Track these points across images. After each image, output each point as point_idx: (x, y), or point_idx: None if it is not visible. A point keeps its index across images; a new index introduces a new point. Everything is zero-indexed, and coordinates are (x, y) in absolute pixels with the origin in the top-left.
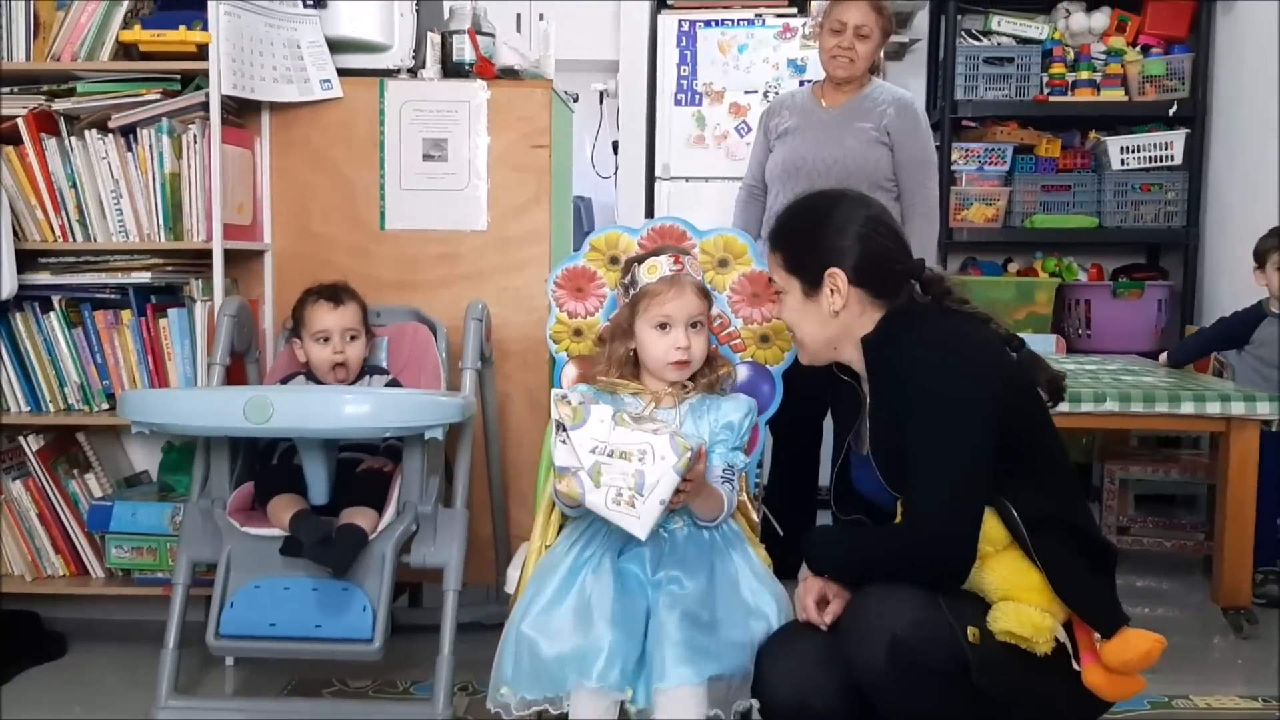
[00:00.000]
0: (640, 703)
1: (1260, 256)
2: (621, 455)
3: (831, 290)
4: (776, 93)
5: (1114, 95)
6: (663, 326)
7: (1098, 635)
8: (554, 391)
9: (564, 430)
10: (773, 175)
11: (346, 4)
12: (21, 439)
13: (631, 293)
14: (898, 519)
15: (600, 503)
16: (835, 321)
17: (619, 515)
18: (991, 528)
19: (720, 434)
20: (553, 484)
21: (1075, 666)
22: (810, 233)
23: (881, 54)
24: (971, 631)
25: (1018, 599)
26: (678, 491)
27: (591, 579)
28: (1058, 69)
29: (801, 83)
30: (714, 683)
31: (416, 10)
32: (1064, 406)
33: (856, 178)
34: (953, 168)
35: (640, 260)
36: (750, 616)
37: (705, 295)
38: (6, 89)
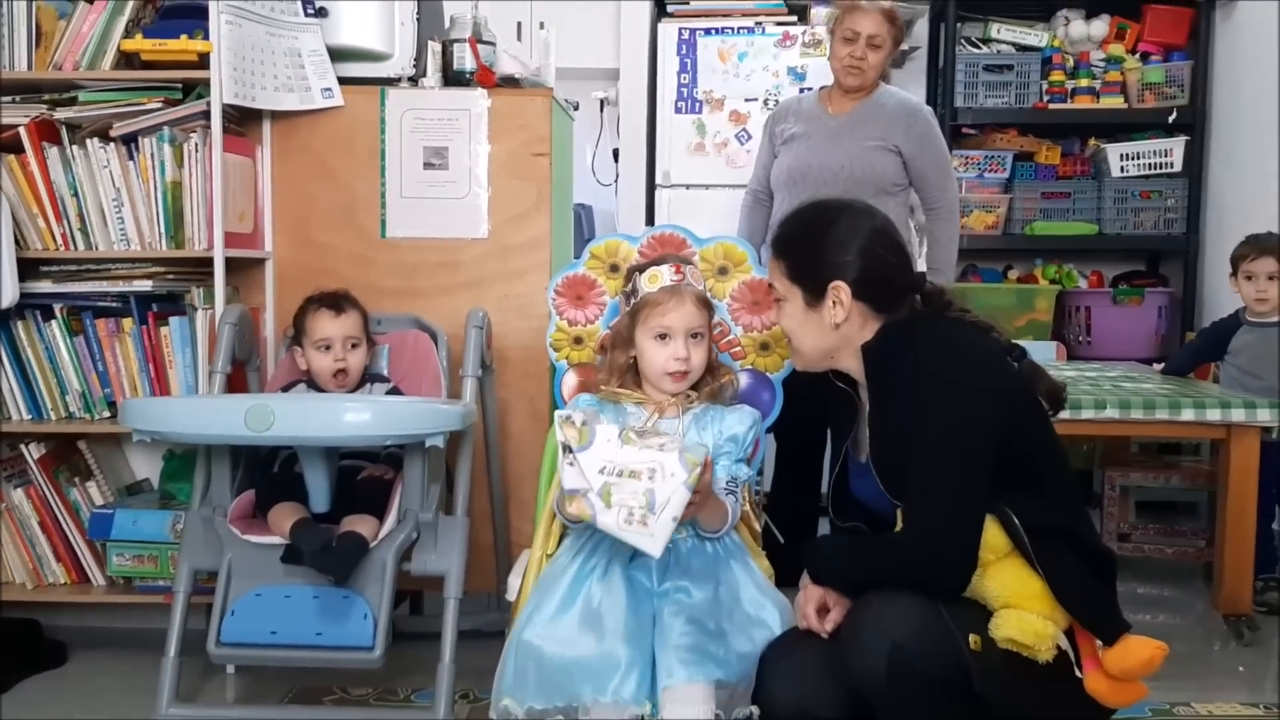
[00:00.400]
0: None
1: (1234, 264)
2: (631, 474)
3: (834, 302)
4: (777, 100)
5: (1113, 102)
6: (662, 337)
7: (1099, 642)
8: (557, 413)
9: (570, 452)
10: (778, 181)
11: (347, 13)
12: (23, 447)
13: (633, 301)
14: (897, 526)
15: (612, 523)
16: (835, 333)
17: (632, 535)
18: (993, 536)
19: (724, 446)
20: (556, 502)
21: (1077, 674)
22: (814, 243)
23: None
24: (973, 639)
25: (1019, 606)
26: (688, 505)
27: (599, 588)
28: (1057, 76)
29: (802, 90)
30: (718, 687)
31: (417, 19)
32: (1064, 414)
33: (863, 185)
34: None
35: (642, 269)
36: (753, 627)
37: (706, 305)
38: (8, 98)
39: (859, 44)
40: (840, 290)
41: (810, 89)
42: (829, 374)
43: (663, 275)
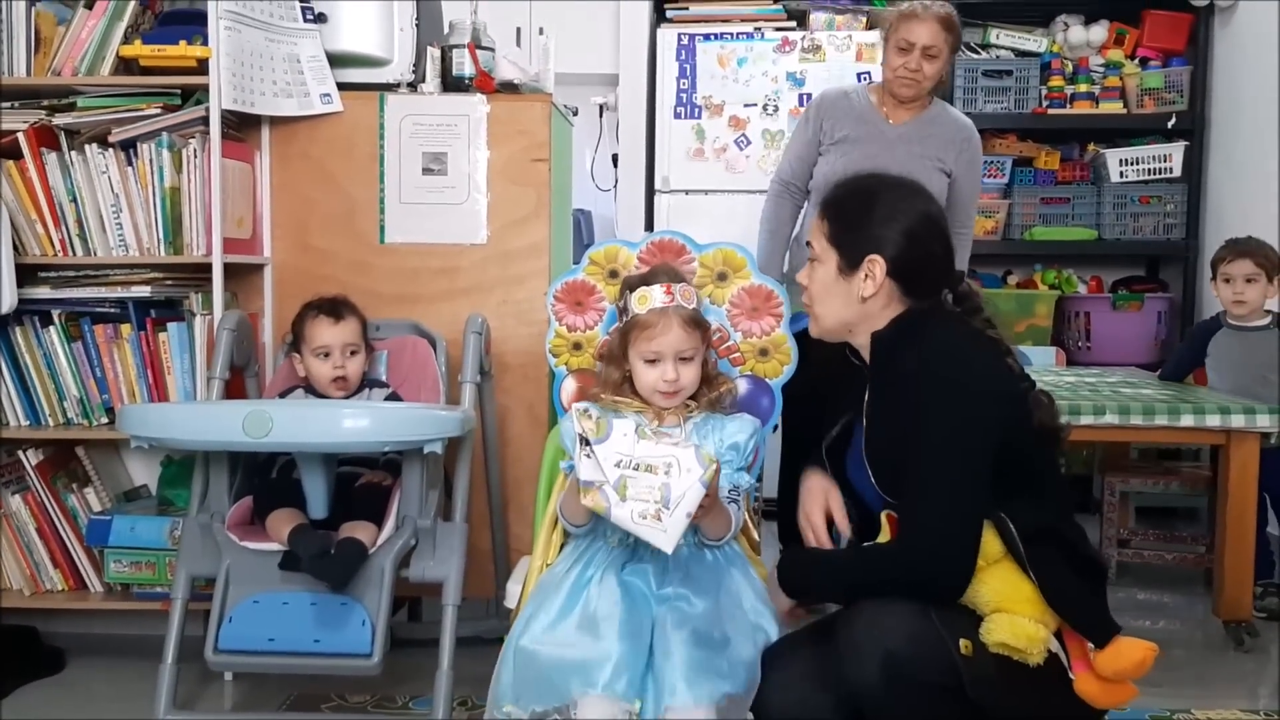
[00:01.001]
0: (649, 714)
1: (1214, 268)
2: (647, 469)
3: (866, 275)
4: (776, 107)
5: (1112, 108)
6: (651, 360)
7: (1090, 645)
8: (574, 406)
9: (588, 444)
10: (827, 183)
11: (346, 18)
12: (20, 453)
13: (624, 319)
14: (881, 528)
15: (626, 517)
16: (860, 306)
17: (645, 529)
18: (987, 541)
19: (726, 455)
20: (560, 505)
21: (1071, 676)
22: (862, 213)
23: None
24: (964, 644)
25: (1010, 610)
26: (699, 506)
27: (596, 593)
28: (1056, 82)
29: (802, 96)
30: (721, 702)
31: (416, 24)
32: (1063, 419)
33: None
34: None
35: (634, 286)
36: (755, 632)
37: (697, 325)
38: (7, 104)
39: (914, 54)
40: (875, 264)
41: (807, 92)
42: (846, 353)
43: (653, 296)
